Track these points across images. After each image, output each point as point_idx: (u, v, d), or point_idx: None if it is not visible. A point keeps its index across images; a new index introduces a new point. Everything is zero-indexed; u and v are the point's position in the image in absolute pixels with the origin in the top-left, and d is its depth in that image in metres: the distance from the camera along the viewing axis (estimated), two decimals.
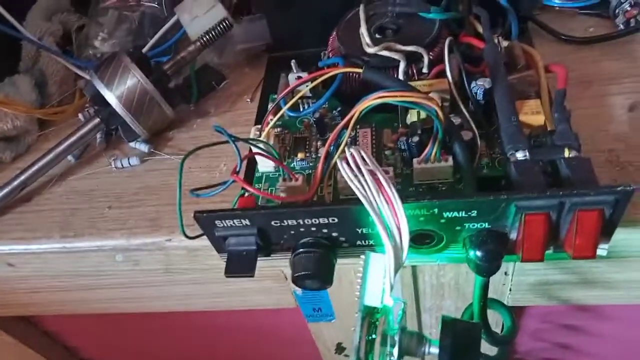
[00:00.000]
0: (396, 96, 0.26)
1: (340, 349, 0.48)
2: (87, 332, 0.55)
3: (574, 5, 0.39)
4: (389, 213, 0.23)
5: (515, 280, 0.36)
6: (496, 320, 0.38)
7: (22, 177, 0.37)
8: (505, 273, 0.35)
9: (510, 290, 0.37)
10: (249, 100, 0.40)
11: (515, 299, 0.38)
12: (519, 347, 0.48)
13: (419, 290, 0.38)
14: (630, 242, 0.29)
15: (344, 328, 0.45)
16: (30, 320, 0.52)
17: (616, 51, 0.36)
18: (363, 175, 0.24)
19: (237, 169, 0.25)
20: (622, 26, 0.37)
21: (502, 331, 0.35)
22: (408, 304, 0.40)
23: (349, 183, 0.24)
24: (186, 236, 0.27)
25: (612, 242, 0.24)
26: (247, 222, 0.26)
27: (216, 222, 0.26)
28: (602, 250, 0.24)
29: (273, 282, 0.38)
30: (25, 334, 0.52)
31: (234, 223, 0.26)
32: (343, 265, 0.27)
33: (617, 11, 0.37)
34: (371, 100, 0.26)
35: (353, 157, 0.24)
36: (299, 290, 0.39)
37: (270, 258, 0.28)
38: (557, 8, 0.39)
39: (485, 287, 0.26)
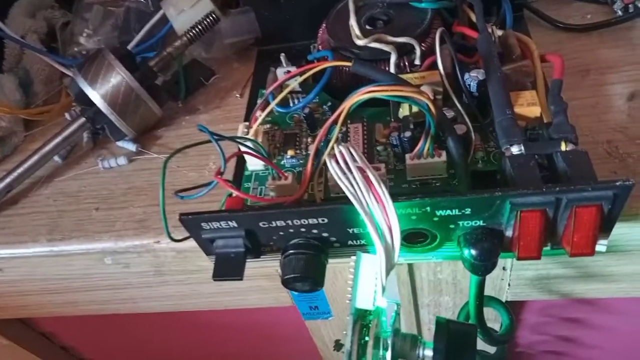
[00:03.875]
0: (386, 90, 0.25)
1: (338, 345, 0.48)
2: (84, 332, 0.54)
3: None
4: (380, 212, 0.22)
5: (514, 275, 0.35)
6: (495, 316, 0.37)
7: (8, 180, 0.36)
8: (504, 268, 0.35)
9: (509, 285, 0.36)
10: (238, 95, 0.40)
11: (514, 294, 0.37)
12: (520, 341, 0.48)
13: (416, 287, 0.38)
14: (631, 235, 0.28)
15: (342, 325, 0.44)
16: (25, 322, 0.52)
17: (614, 38, 0.35)
18: (352, 174, 0.23)
19: (221, 170, 0.24)
20: (620, 12, 0.35)
21: (500, 327, 0.35)
22: (405, 301, 0.39)
23: (338, 182, 0.23)
24: (172, 239, 0.26)
25: (612, 237, 0.23)
26: (234, 223, 0.25)
27: (202, 224, 0.25)
28: (601, 246, 0.23)
29: (267, 281, 0.37)
30: (21, 335, 0.52)
31: (220, 225, 0.25)
32: (339, 263, 0.26)
33: None
34: (360, 95, 0.25)
35: (342, 154, 0.24)
36: None
37: (261, 259, 0.27)
38: None
39: (481, 286, 0.25)
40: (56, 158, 0.38)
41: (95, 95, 0.34)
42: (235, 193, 0.24)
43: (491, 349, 0.36)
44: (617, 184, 0.21)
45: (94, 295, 0.40)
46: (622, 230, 0.27)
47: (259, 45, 0.41)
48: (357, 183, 0.23)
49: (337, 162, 0.23)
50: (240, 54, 0.42)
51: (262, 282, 0.38)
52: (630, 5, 0.35)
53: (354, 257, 0.24)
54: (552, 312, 0.43)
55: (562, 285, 0.36)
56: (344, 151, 0.24)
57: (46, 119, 0.41)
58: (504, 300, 0.37)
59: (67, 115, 0.41)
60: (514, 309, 0.42)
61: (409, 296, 0.39)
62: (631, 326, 0.43)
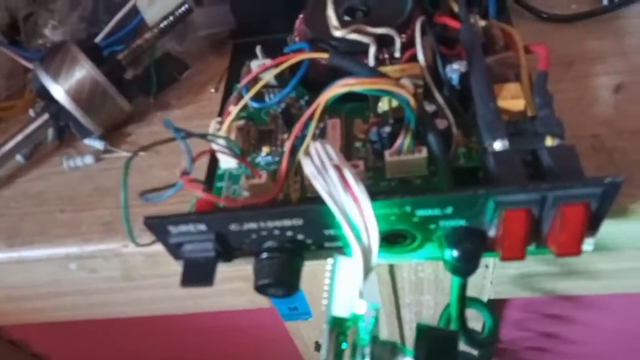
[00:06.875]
0: (363, 83, 0.24)
1: (319, 346, 0.47)
2: (56, 339, 0.52)
3: None
4: (357, 213, 0.21)
5: (497, 273, 0.34)
6: (477, 314, 0.37)
7: None
8: (486, 266, 0.34)
9: (491, 283, 0.35)
10: (213, 90, 0.38)
11: (497, 292, 0.36)
12: (503, 337, 0.47)
13: (397, 287, 0.37)
14: (617, 233, 0.27)
15: (322, 326, 0.43)
16: None
17: (600, 29, 0.34)
18: (327, 172, 0.21)
19: (187, 170, 0.23)
20: (606, 2, 0.35)
21: (483, 329, 0.34)
22: (387, 301, 0.38)
23: (313, 181, 0.21)
24: (136, 244, 0.25)
25: (599, 234, 0.23)
26: (203, 227, 0.23)
27: (169, 227, 0.23)
28: (588, 245, 0.22)
29: (243, 283, 0.36)
30: None
31: (188, 228, 0.23)
32: (318, 264, 0.25)
33: None
34: (335, 89, 0.24)
35: (317, 152, 0.22)
36: None
37: (233, 263, 0.26)
38: None
39: (462, 289, 0.24)
40: (18, 157, 0.36)
41: (58, 90, 0.32)
42: (198, 194, 0.23)
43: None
44: (606, 180, 0.20)
45: (62, 301, 0.38)
46: (608, 228, 0.26)
47: (235, 37, 0.39)
48: (333, 182, 0.21)
49: (312, 160, 0.22)
50: (216, 47, 0.40)
51: (238, 284, 0.36)
52: None
53: (330, 260, 0.23)
54: (535, 309, 0.43)
55: (545, 283, 0.35)
56: (319, 148, 0.22)
57: (9, 116, 0.39)
58: (486, 298, 0.36)
59: (31, 112, 0.39)
60: (497, 306, 0.42)
61: (390, 296, 0.38)
62: (614, 322, 0.43)
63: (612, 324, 0.43)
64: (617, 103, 0.29)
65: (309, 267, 0.25)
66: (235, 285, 0.36)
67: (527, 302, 0.42)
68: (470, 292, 0.35)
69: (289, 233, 0.23)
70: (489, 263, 0.33)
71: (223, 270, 0.25)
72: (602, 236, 0.27)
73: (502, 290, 0.36)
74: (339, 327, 0.21)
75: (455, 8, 0.31)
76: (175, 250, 0.25)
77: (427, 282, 0.36)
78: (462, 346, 0.27)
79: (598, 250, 0.30)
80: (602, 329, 0.44)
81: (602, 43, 0.33)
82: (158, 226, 0.23)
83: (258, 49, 0.32)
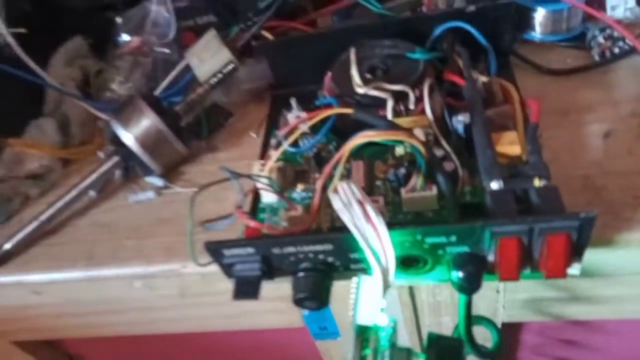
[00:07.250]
0: (381, 135, 0.29)
1: None
2: (111, 354, 0.58)
3: (554, 39, 0.41)
4: (376, 240, 0.26)
5: (508, 298, 0.38)
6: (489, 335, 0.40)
7: (49, 212, 0.40)
8: (497, 291, 0.37)
9: (504, 307, 0.39)
10: (254, 135, 0.44)
11: (509, 316, 0.40)
12: None
13: (417, 309, 0.41)
14: (608, 261, 0.31)
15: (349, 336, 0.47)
16: (55, 345, 0.56)
17: (592, 81, 0.38)
18: (352, 207, 0.26)
19: (241, 205, 0.28)
20: (597, 57, 0.39)
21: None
22: (408, 322, 0.42)
23: (340, 214, 0.27)
24: (197, 264, 0.30)
25: (591, 262, 0.26)
26: (251, 250, 0.29)
27: (223, 251, 0.29)
28: (574, 270, 0.26)
29: (283, 303, 0.40)
30: (51, 357, 0.55)
31: (239, 251, 0.29)
32: (346, 286, 0.30)
33: (592, 43, 0.40)
34: (358, 140, 0.29)
35: (343, 190, 0.27)
36: (305, 311, 0.42)
37: (278, 281, 0.31)
38: (538, 42, 0.42)
39: (468, 306, 0.28)
40: (91, 192, 0.42)
41: (128, 138, 0.39)
42: (250, 224, 0.28)
43: None
44: (582, 215, 0.24)
45: (123, 317, 0.44)
46: (598, 256, 0.30)
47: (272, 89, 0.45)
48: (357, 215, 0.26)
49: (340, 197, 0.27)
50: (256, 97, 0.46)
51: (279, 304, 0.41)
52: (606, 51, 0.39)
53: (355, 279, 0.27)
54: (550, 334, 0.46)
55: (553, 307, 0.38)
56: (345, 187, 0.27)
57: (81, 158, 0.46)
58: (500, 321, 0.40)
59: (100, 154, 0.45)
60: (512, 330, 0.45)
61: (412, 317, 0.42)
62: (625, 347, 0.45)
63: (623, 348, 0.45)
64: (606, 147, 0.34)
65: (340, 291, 0.30)
66: (275, 305, 0.41)
67: (542, 327, 0.45)
68: (485, 315, 0.39)
69: (321, 256, 0.28)
70: (500, 288, 0.37)
71: (266, 290, 0.30)
72: (593, 263, 0.31)
73: (514, 313, 0.40)
74: (363, 334, 0.26)
75: (461, 63, 0.36)
76: (227, 269, 0.30)
77: (444, 304, 0.40)
78: (472, 358, 0.31)
79: (596, 277, 0.34)
80: (614, 354, 0.46)
81: (594, 94, 0.37)
82: (215, 249, 0.29)
83: (293, 101, 0.38)
